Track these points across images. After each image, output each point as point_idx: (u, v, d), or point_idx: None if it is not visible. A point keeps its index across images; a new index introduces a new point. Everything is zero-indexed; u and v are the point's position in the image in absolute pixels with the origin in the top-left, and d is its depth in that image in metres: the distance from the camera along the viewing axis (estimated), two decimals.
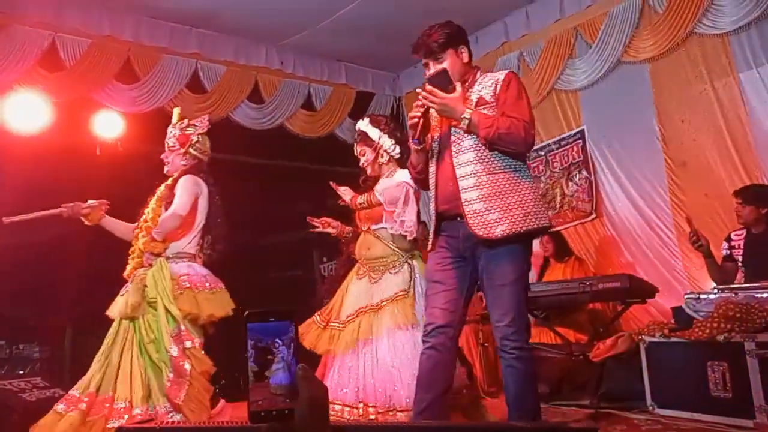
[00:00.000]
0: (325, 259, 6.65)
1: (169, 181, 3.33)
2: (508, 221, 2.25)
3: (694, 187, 4.67)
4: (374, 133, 3.20)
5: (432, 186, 2.48)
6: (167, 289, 3.04)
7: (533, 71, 5.71)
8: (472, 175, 2.32)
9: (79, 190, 3.36)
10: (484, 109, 2.33)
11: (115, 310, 3.18)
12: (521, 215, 2.26)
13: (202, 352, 3.06)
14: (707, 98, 4.61)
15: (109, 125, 5.17)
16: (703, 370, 3.14)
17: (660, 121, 4.90)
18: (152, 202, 3.34)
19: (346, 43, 6.09)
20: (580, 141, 5.44)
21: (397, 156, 3.20)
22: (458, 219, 2.35)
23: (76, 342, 5.11)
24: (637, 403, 3.47)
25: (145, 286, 3.10)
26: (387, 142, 3.18)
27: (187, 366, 2.93)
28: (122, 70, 5.33)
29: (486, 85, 2.40)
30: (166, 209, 3.22)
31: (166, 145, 3.41)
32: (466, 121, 2.24)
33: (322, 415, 1.01)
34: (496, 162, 2.31)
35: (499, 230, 2.24)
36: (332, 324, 3.16)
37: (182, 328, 3.00)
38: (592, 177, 5.33)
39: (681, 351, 3.33)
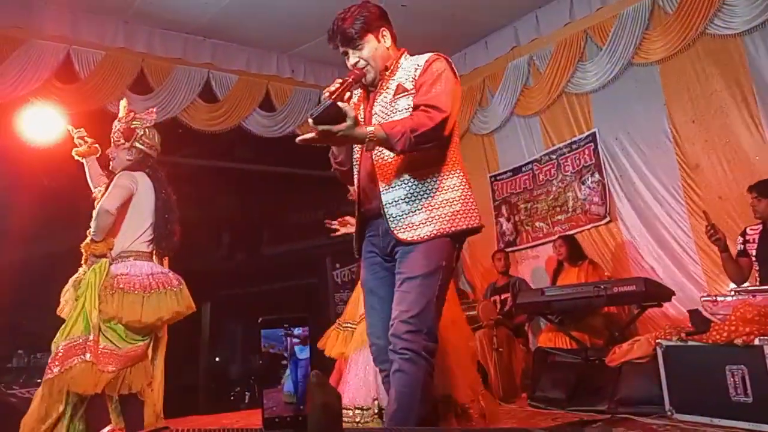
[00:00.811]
0: (338, 266, 6.67)
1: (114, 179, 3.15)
2: (434, 222, 2.01)
3: (708, 189, 4.62)
4: None
5: (355, 182, 2.23)
6: (95, 292, 2.87)
7: (543, 75, 5.70)
8: (393, 172, 2.07)
9: (94, 200, 3.39)
10: (402, 98, 2.08)
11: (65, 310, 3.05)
12: (449, 215, 2.02)
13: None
14: (719, 99, 4.57)
15: None
16: (722, 375, 3.09)
17: (672, 122, 4.86)
18: (97, 201, 3.17)
19: None
20: (592, 144, 5.42)
21: None
22: (381, 218, 2.09)
23: None
24: (655, 408, 3.42)
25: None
26: None
27: (50, 375, 2.77)
28: (136, 81, 5.41)
29: (407, 71, 2.14)
30: None
31: (111, 140, 3.25)
32: (371, 144, 1.93)
33: (334, 422, 1.01)
34: (420, 156, 2.04)
35: (425, 232, 2.00)
36: (346, 324, 3.15)
37: (90, 338, 2.80)
38: (605, 180, 5.30)
39: (699, 355, 3.28)
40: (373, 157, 2.10)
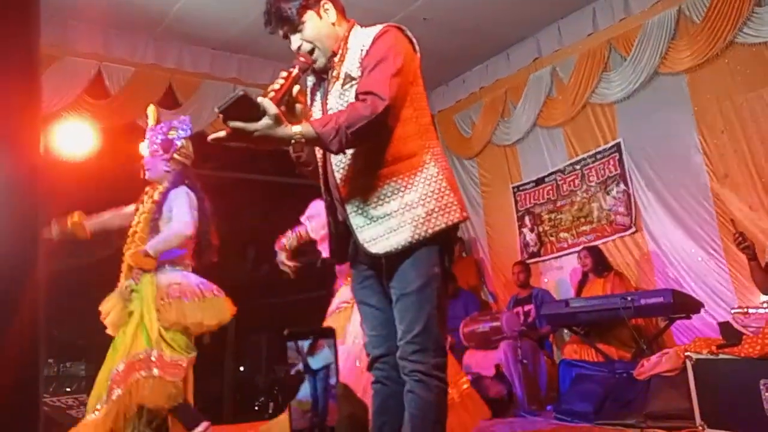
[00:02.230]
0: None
1: (156, 195, 3.15)
2: (407, 227, 1.73)
3: (738, 199, 4.54)
4: None
5: (323, 190, 1.96)
6: (151, 306, 2.91)
7: (567, 86, 5.67)
8: (352, 177, 1.81)
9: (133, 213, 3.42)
10: (351, 87, 1.81)
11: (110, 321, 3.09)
12: (423, 215, 1.74)
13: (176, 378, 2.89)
14: (749, 108, 4.49)
15: None
16: (756, 389, 3.02)
17: (700, 132, 4.79)
18: (138, 216, 3.19)
19: None
20: (617, 154, 5.36)
21: None
22: None
23: None
24: (686, 423, 3.35)
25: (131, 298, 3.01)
26: None
27: (116, 391, 2.81)
28: (164, 96, 5.53)
29: (354, 53, 1.84)
30: (152, 224, 3.07)
31: (146, 149, 3.23)
32: (299, 145, 1.65)
33: None
34: (380, 149, 1.77)
35: (399, 240, 1.74)
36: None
37: (153, 352, 2.86)
38: (630, 190, 5.24)
39: (731, 368, 3.21)
40: (331, 161, 1.84)
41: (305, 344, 1.07)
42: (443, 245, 1.81)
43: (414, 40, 1.88)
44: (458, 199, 1.82)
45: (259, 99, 1.65)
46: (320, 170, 1.94)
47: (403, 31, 1.86)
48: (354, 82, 1.80)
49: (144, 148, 3.25)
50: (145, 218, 3.11)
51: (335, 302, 2.97)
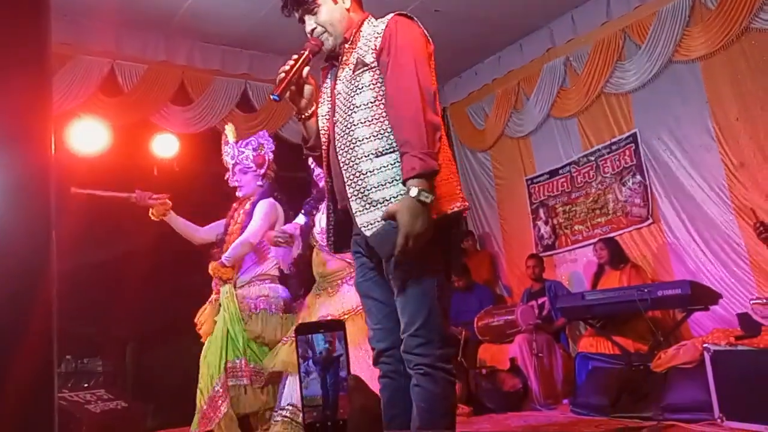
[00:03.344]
0: None
1: (248, 206, 3.31)
2: None
3: (754, 188, 4.47)
4: None
5: (326, 174, 1.98)
6: (234, 317, 3.07)
7: (581, 76, 5.61)
8: (355, 162, 1.79)
9: (138, 208, 3.48)
10: (364, 72, 1.81)
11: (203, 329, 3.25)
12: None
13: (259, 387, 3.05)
14: (764, 95, 4.41)
15: (165, 146, 5.38)
16: None
17: (715, 120, 4.72)
18: (231, 228, 3.35)
19: None
20: (632, 144, 5.30)
21: None
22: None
23: (136, 356, 5.30)
24: (704, 415, 3.32)
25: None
26: None
27: (223, 408, 2.96)
28: (176, 93, 5.56)
29: (367, 40, 1.84)
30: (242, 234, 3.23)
31: (234, 164, 3.35)
32: (424, 195, 1.63)
33: (374, 425, 1.01)
34: (383, 139, 1.76)
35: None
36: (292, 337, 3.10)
37: (241, 362, 3.03)
38: (647, 181, 5.18)
39: (750, 359, 3.17)
40: (337, 146, 1.84)
41: (316, 338, 1.06)
42: (443, 233, 1.75)
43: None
44: (458, 188, 1.80)
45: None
46: (324, 155, 1.95)
47: (412, 19, 1.86)
48: (366, 68, 1.81)
49: (231, 165, 3.37)
50: (236, 229, 3.29)
51: (340, 301, 2.93)
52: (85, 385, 4.43)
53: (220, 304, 3.17)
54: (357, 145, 1.80)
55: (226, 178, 3.40)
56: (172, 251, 4.06)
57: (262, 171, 3.33)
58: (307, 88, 1.94)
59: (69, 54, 5.03)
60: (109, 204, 3.42)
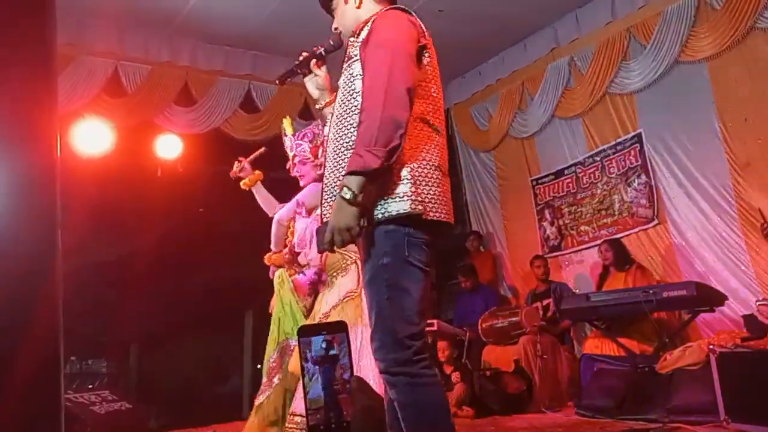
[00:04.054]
0: None
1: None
2: None
3: (761, 189, 4.44)
4: None
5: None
6: (284, 301, 3.24)
7: (585, 76, 5.60)
8: (338, 154, 1.78)
9: (142, 209, 3.49)
10: (354, 63, 1.80)
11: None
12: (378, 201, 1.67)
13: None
14: None
15: (169, 147, 5.38)
16: None
17: (722, 120, 4.70)
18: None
19: None
20: (638, 145, 5.28)
21: None
22: None
23: (140, 357, 5.31)
24: (709, 417, 3.30)
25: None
26: None
27: (276, 380, 3.14)
28: (180, 94, 5.57)
29: (358, 35, 1.85)
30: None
31: (293, 156, 3.44)
32: (354, 197, 1.58)
33: (378, 426, 1.00)
34: (349, 133, 1.74)
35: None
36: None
37: (292, 342, 3.16)
38: (652, 181, 5.16)
39: (756, 361, 3.15)
40: (330, 130, 1.87)
41: (318, 340, 1.05)
42: (393, 235, 1.66)
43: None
44: (416, 191, 1.66)
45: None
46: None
47: (405, 11, 1.81)
48: (354, 59, 1.80)
49: (291, 157, 3.47)
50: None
51: (334, 293, 2.95)
52: (90, 386, 4.44)
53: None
54: (344, 135, 1.78)
55: (287, 167, 3.50)
56: (176, 253, 4.07)
57: (320, 161, 3.41)
58: (317, 80, 2.05)
59: (73, 55, 5.04)
60: (113, 202, 3.44)
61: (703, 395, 3.34)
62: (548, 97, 5.90)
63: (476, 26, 5.53)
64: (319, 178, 3.30)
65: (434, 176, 1.71)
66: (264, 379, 3.27)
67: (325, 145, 3.01)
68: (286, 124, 3.58)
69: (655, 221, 5.13)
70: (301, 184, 3.41)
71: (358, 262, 2.76)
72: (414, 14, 1.82)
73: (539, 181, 6.15)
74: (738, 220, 4.58)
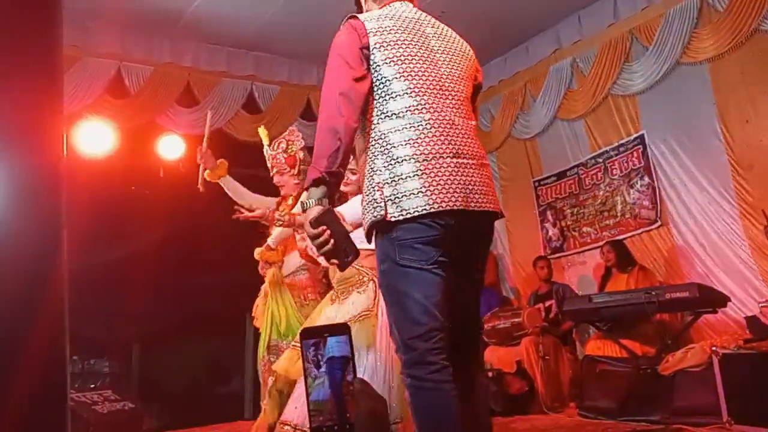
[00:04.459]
0: None
1: (291, 201, 3.43)
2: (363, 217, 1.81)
3: (763, 191, 4.43)
4: None
5: None
6: (279, 300, 3.23)
7: (587, 78, 5.59)
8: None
9: (145, 209, 3.50)
10: None
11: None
12: (364, 207, 1.76)
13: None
14: None
15: (171, 148, 5.39)
16: None
17: (723, 122, 4.69)
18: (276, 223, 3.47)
19: None
20: (640, 146, 5.27)
21: None
22: None
23: (142, 356, 5.31)
24: (712, 419, 3.30)
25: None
26: None
27: (270, 380, 3.10)
28: (182, 95, 5.57)
29: None
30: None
31: (272, 168, 3.48)
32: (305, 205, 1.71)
33: (381, 428, 1.01)
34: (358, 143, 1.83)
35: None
36: (295, 344, 3.08)
37: (281, 344, 3.16)
38: (655, 183, 5.15)
39: (759, 363, 3.15)
40: None
41: (321, 342, 1.06)
42: (380, 242, 1.71)
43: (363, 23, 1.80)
44: (382, 196, 1.68)
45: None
46: None
47: (353, 17, 1.83)
48: None
49: (270, 168, 3.50)
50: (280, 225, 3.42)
51: (348, 308, 2.90)
52: (92, 385, 4.45)
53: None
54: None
55: (275, 181, 3.52)
56: (178, 252, 4.07)
57: (296, 171, 3.43)
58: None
59: (76, 56, 5.05)
60: (116, 203, 3.45)
61: (706, 397, 3.34)
62: (551, 99, 5.90)
63: (479, 28, 5.52)
64: (299, 188, 3.39)
65: (408, 171, 1.67)
66: (261, 382, 3.27)
67: (298, 155, 3.26)
68: (262, 135, 3.56)
69: (658, 223, 5.12)
70: (282, 193, 3.46)
71: (375, 279, 2.70)
72: (359, 17, 1.82)
73: (541, 183, 6.15)
74: (740, 222, 4.58)
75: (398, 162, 1.68)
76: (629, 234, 5.28)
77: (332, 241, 1.66)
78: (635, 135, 5.32)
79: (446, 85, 1.77)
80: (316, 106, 6.25)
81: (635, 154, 5.31)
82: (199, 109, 5.63)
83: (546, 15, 5.66)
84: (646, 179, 5.22)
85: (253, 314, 3.43)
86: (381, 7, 1.91)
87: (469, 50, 1.93)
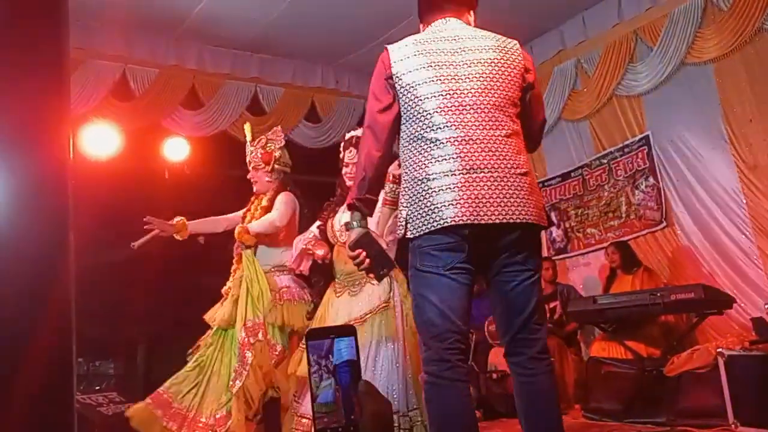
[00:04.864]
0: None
1: (265, 202, 3.43)
2: None
3: None
4: None
5: None
6: (255, 277, 3.19)
7: (592, 78, 5.58)
8: None
9: (150, 211, 3.51)
10: None
11: (216, 317, 3.30)
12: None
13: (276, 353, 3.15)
14: None
15: (176, 150, 5.40)
16: None
17: (728, 122, 4.68)
18: (247, 219, 3.45)
19: None
20: (645, 147, 5.26)
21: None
22: None
23: (147, 358, 5.32)
24: (718, 421, 3.28)
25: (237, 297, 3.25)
26: None
27: (248, 355, 3.04)
28: (187, 97, 5.59)
29: None
30: None
31: (249, 164, 3.49)
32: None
33: (386, 430, 1.01)
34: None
35: None
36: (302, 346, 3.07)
37: (258, 320, 3.11)
38: (660, 184, 5.14)
39: (765, 364, 3.13)
40: None
41: (326, 344, 1.06)
42: (413, 248, 1.83)
43: (394, 52, 1.90)
44: (406, 217, 1.82)
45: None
46: None
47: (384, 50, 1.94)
48: None
49: (248, 163, 3.52)
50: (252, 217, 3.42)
51: (363, 300, 2.90)
52: (97, 387, 4.46)
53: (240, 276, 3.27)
54: None
55: (248, 176, 3.52)
56: (183, 253, 4.08)
57: (269, 168, 3.45)
58: None
59: (81, 59, 5.07)
60: (121, 205, 3.45)
61: (712, 399, 3.33)
62: (555, 100, 5.89)
63: (482, 28, 5.53)
64: (275, 186, 3.40)
65: (423, 190, 1.78)
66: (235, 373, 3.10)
67: (275, 153, 3.41)
68: (246, 131, 3.60)
69: (663, 224, 5.10)
70: (255, 189, 3.48)
71: (391, 272, 2.74)
72: (389, 47, 1.92)
73: (546, 184, 6.13)
74: (746, 222, 4.56)
75: (416, 182, 1.81)
76: (634, 235, 5.27)
77: (368, 260, 1.92)
78: (640, 136, 5.30)
79: (467, 100, 1.81)
80: (320, 108, 6.26)
81: (640, 155, 5.30)
82: (203, 112, 5.65)
83: (550, 16, 5.66)
84: (651, 180, 5.20)
85: (208, 318, 3.33)
86: (425, 28, 2.03)
87: (507, 55, 1.94)
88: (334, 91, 6.34)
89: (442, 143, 1.78)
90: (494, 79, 1.86)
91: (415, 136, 1.83)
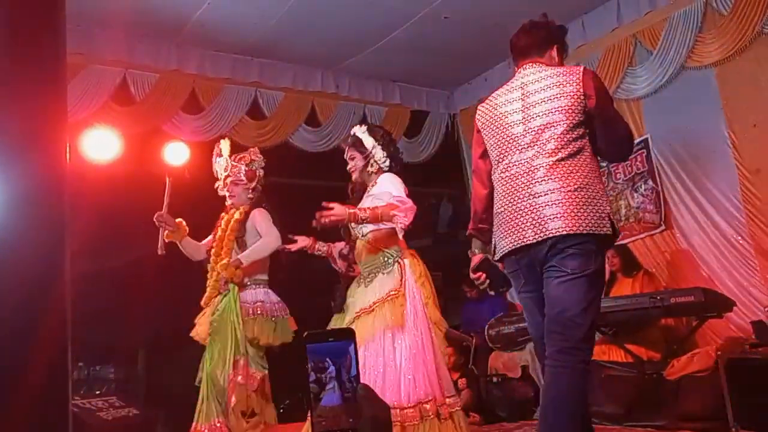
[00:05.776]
0: None
1: (237, 215, 3.48)
2: None
3: None
4: (369, 141, 3.09)
5: None
6: (237, 316, 3.24)
7: None
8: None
9: (150, 215, 3.53)
10: None
11: (199, 334, 3.39)
12: None
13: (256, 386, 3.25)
14: None
15: (176, 154, 5.40)
16: None
17: (730, 126, 4.68)
18: (221, 235, 3.50)
19: (400, 64, 6.16)
20: (644, 150, 5.26)
21: (386, 168, 3.09)
22: None
23: (148, 362, 5.32)
24: (718, 424, 3.28)
25: (217, 310, 3.31)
26: (379, 153, 3.07)
27: (233, 400, 3.15)
28: (187, 101, 5.59)
29: None
30: (239, 241, 3.43)
31: (226, 176, 3.55)
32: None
33: None
34: None
35: None
36: None
37: (242, 359, 3.20)
38: (659, 187, 5.14)
39: (765, 368, 3.13)
40: None
41: (324, 347, 1.06)
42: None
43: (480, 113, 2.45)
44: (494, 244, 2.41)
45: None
46: None
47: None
48: None
49: (223, 177, 3.59)
50: (229, 237, 3.48)
51: (375, 289, 2.94)
52: (97, 392, 4.46)
53: (217, 309, 3.33)
54: None
55: (215, 187, 3.60)
56: (183, 258, 4.08)
57: (253, 185, 3.55)
58: None
59: (82, 63, 5.08)
60: (121, 209, 3.47)
61: (712, 402, 3.33)
62: None
63: (482, 33, 5.54)
64: (252, 202, 3.51)
65: (496, 223, 2.34)
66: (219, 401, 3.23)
67: (259, 172, 3.61)
68: (224, 145, 3.66)
69: (662, 227, 5.10)
70: (231, 202, 3.55)
71: (400, 261, 2.94)
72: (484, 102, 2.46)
73: None
74: (746, 226, 4.56)
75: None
76: (633, 238, 5.27)
77: (488, 281, 2.36)
78: (639, 139, 5.30)
79: (519, 142, 2.25)
80: (320, 112, 6.27)
81: (639, 159, 5.30)
82: (204, 116, 5.66)
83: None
84: (650, 183, 5.21)
85: (197, 325, 3.40)
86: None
87: (564, 87, 2.25)
88: (334, 96, 6.35)
89: (497, 186, 2.40)
90: (549, 113, 2.26)
91: (492, 175, 2.44)
